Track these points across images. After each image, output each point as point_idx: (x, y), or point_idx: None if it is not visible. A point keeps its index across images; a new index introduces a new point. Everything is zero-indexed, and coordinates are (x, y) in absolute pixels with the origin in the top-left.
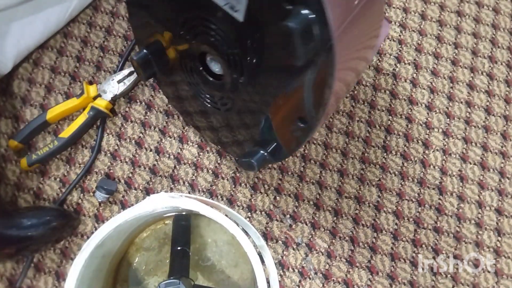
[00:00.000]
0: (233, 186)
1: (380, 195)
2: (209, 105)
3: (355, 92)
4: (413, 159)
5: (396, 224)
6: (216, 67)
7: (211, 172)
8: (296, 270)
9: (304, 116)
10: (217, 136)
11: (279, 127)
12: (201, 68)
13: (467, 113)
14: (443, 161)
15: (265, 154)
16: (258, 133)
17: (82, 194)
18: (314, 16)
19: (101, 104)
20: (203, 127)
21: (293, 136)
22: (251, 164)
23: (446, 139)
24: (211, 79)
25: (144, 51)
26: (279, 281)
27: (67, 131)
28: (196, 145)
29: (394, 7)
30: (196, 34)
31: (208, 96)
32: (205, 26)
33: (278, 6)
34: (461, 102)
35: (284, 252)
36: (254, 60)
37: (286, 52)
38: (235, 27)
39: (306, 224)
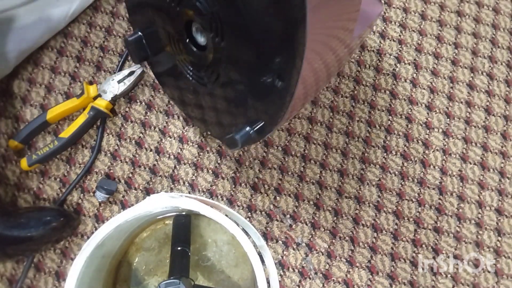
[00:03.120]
0: (233, 186)
1: (380, 195)
2: (196, 82)
3: (355, 92)
4: (413, 159)
5: (396, 224)
6: (201, 38)
7: (211, 172)
8: (296, 270)
9: (281, 73)
10: (206, 120)
11: (260, 94)
12: (187, 40)
13: (467, 113)
14: (443, 161)
15: (250, 131)
16: (243, 110)
17: (82, 194)
18: None
19: (101, 104)
20: (196, 116)
21: (274, 102)
22: (234, 140)
23: (446, 139)
24: (196, 50)
25: (139, 33)
26: (279, 281)
27: (67, 131)
28: (196, 145)
29: (394, 7)
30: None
31: (195, 71)
32: None
33: None
34: (461, 102)
35: (284, 252)
36: (233, 19)
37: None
38: None
39: (306, 224)
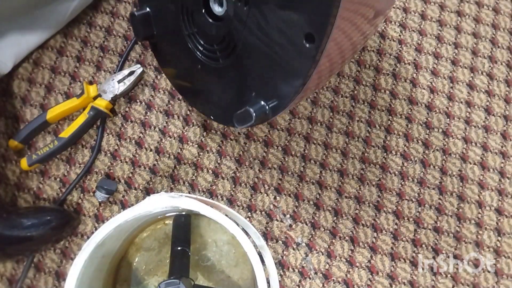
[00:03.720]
0: (233, 186)
1: (380, 195)
2: (206, 59)
3: (355, 92)
4: (413, 159)
5: (396, 224)
6: (218, 8)
7: (211, 172)
8: (296, 270)
9: (312, 32)
10: (212, 103)
11: (282, 63)
12: (203, 11)
13: (467, 113)
14: (443, 161)
15: (266, 107)
16: (258, 85)
17: (82, 194)
18: None
19: (101, 104)
20: (200, 100)
21: (297, 67)
22: (248, 114)
23: (446, 139)
24: (211, 21)
25: (147, 9)
26: (279, 281)
27: (67, 131)
28: (196, 145)
29: (394, 7)
30: None
31: (207, 46)
32: None
33: None
34: (461, 102)
35: (284, 252)
36: None
37: None
38: None
39: (306, 224)
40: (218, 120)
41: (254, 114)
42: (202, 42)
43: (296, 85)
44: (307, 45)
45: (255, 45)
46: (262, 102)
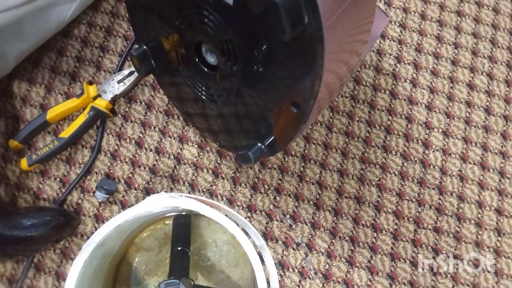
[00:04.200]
0: (233, 186)
1: (380, 195)
2: (206, 98)
3: (355, 92)
4: (413, 159)
5: (396, 224)
6: (211, 58)
7: (211, 172)
8: (296, 270)
9: (296, 101)
10: (216, 133)
11: (274, 115)
12: (197, 60)
13: (467, 113)
14: (443, 161)
15: (262, 147)
16: (254, 126)
17: (82, 194)
18: None
19: (101, 104)
20: (203, 128)
21: (287, 124)
22: (247, 156)
23: (446, 139)
24: (206, 70)
25: (144, 47)
26: (279, 281)
27: (67, 131)
28: (196, 145)
29: (394, 7)
30: (190, 22)
31: (204, 88)
32: (198, 13)
33: None
34: (461, 102)
35: (284, 252)
36: (247, 45)
37: (274, 27)
38: (227, 12)
39: (306, 224)
40: (225, 148)
41: (252, 157)
42: (199, 84)
43: (288, 136)
44: (294, 110)
45: (248, 96)
46: (258, 144)
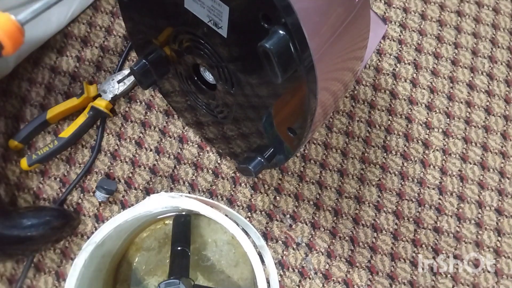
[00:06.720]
0: (233, 186)
1: (380, 195)
2: (206, 112)
3: (355, 92)
4: (413, 159)
5: (396, 224)
6: (209, 77)
7: (211, 172)
8: (296, 270)
9: (292, 127)
10: (221, 143)
11: (270, 136)
12: (195, 78)
13: (467, 113)
14: (443, 161)
15: (262, 160)
16: (253, 140)
17: (82, 194)
18: (290, 37)
19: (101, 104)
20: (210, 138)
21: (286, 143)
22: (248, 170)
23: (446, 139)
24: (205, 88)
25: (143, 61)
26: (279, 281)
27: (67, 131)
28: (196, 145)
29: (394, 7)
30: (187, 47)
31: (204, 104)
32: (194, 40)
33: (257, 24)
34: (461, 102)
35: (284, 252)
36: (242, 73)
37: (266, 70)
38: (222, 41)
39: (306, 224)
40: (230, 157)
41: (253, 171)
42: (200, 98)
43: (285, 155)
44: (291, 135)
45: (246, 114)
46: (258, 157)
